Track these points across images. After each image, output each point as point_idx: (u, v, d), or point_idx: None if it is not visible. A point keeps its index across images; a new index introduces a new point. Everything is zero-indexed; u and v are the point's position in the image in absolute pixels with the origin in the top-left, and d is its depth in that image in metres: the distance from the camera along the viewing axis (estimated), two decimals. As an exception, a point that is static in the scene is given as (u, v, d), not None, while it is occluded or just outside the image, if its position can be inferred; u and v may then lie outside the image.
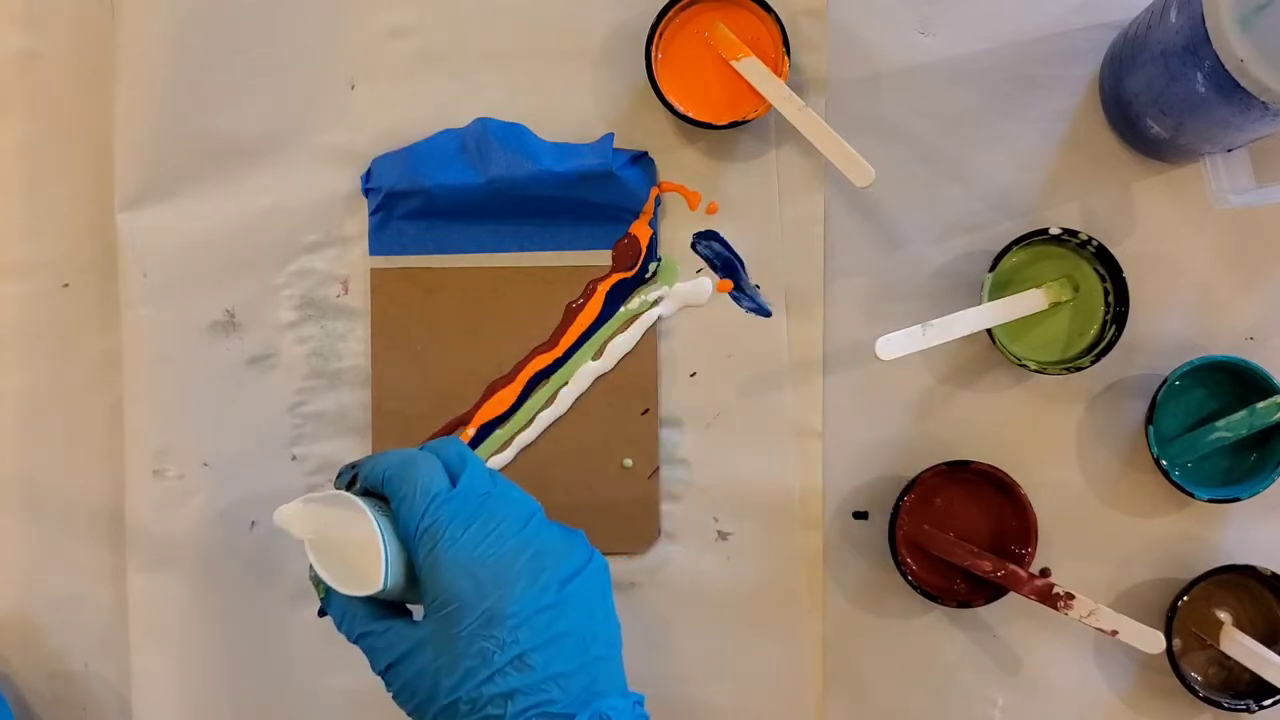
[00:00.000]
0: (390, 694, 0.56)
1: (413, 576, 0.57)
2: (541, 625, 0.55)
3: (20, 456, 0.74)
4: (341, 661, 0.73)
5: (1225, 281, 0.73)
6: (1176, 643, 0.69)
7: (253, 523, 0.73)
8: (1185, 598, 0.69)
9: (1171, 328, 0.73)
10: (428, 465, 0.57)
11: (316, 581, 0.58)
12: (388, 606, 0.58)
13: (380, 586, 0.55)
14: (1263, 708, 0.69)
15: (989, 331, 0.69)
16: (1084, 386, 0.73)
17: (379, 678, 0.57)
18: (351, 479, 0.60)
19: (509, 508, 0.58)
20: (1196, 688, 0.69)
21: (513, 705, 0.53)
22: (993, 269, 0.69)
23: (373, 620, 0.57)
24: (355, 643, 0.57)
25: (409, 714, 0.56)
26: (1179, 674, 0.69)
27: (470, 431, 0.73)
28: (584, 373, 0.73)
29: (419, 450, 0.59)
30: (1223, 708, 0.69)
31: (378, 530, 0.55)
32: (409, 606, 0.60)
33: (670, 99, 0.71)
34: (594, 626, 0.57)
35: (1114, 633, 0.67)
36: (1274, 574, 0.69)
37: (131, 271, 0.73)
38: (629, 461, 0.73)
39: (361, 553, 0.56)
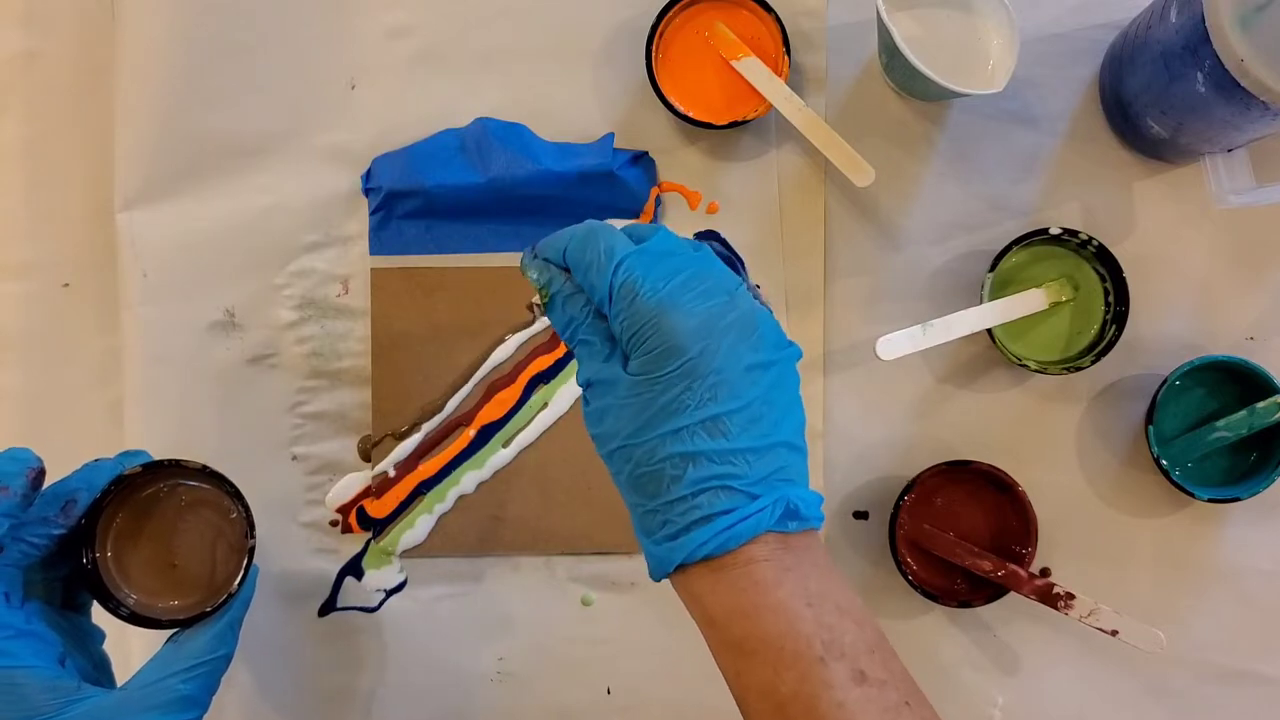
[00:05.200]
0: (584, 413, 0.53)
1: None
2: (744, 388, 0.49)
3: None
4: (341, 661, 0.73)
5: (1225, 281, 0.73)
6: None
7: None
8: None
9: (1171, 328, 0.73)
10: (608, 232, 0.52)
11: (543, 285, 0.54)
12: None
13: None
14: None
15: (989, 331, 0.69)
16: (1084, 386, 0.73)
17: None
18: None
19: (714, 270, 0.52)
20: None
21: (693, 470, 0.48)
22: (993, 269, 0.69)
23: (593, 330, 0.52)
24: (572, 344, 0.53)
25: (592, 439, 0.52)
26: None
27: (471, 433, 0.73)
28: (584, 373, 0.73)
29: (599, 223, 0.54)
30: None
31: None
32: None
33: (670, 99, 0.71)
34: (793, 411, 0.51)
35: (1114, 633, 0.67)
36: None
37: (131, 271, 0.73)
38: (629, 461, 0.73)
39: None
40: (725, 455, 0.48)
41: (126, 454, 0.62)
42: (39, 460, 0.56)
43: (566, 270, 0.53)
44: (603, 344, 0.51)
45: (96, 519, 0.59)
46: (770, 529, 0.48)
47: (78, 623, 0.60)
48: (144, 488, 0.61)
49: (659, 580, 0.50)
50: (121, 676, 0.60)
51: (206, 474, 0.61)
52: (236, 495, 0.61)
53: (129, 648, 0.63)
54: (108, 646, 0.61)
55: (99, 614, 0.61)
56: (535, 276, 0.54)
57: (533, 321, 0.73)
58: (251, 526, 0.61)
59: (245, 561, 0.60)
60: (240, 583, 0.60)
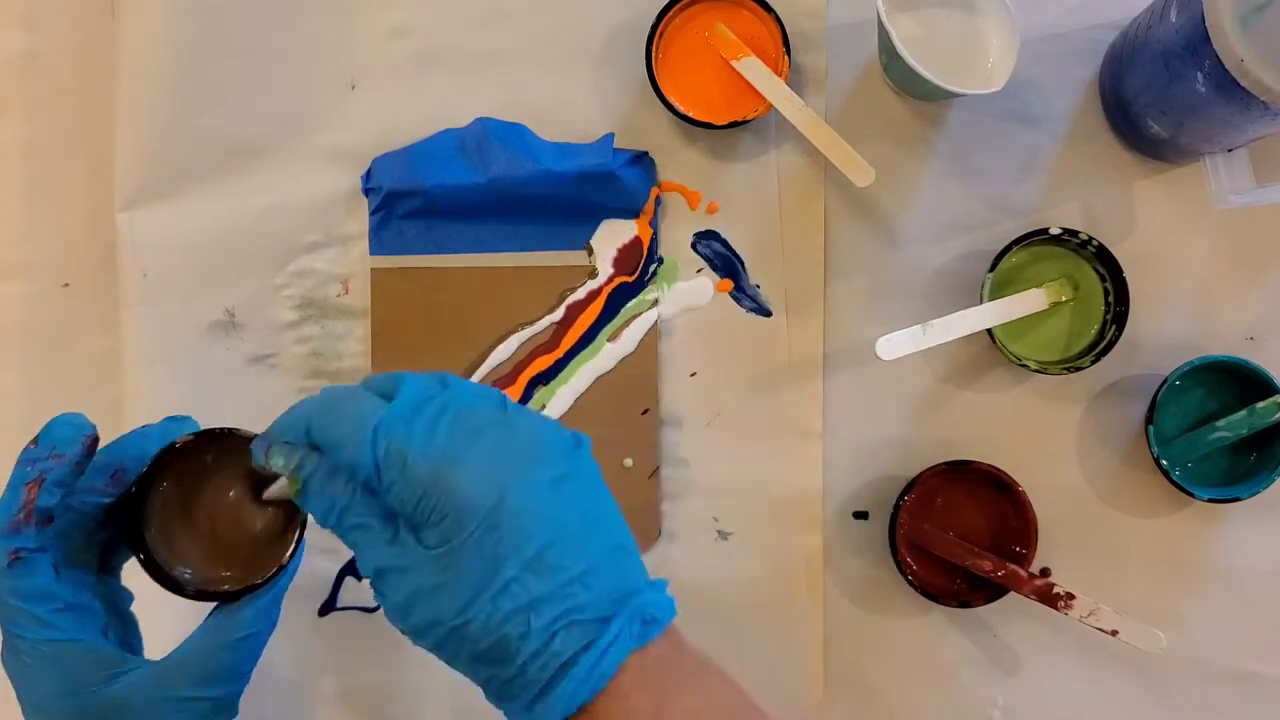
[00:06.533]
0: (377, 601, 0.49)
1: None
2: (555, 515, 0.46)
3: (20, 456, 0.74)
4: (341, 661, 0.73)
5: (1225, 281, 0.73)
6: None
7: (253, 523, 0.73)
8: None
9: (1171, 328, 0.73)
10: (352, 396, 0.49)
11: (292, 472, 0.51)
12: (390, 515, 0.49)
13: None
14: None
15: (989, 331, 0.69)
16: (1084, 386, 0.73)
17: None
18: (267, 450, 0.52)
19: (475, 397, 0.49)
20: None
21: (536, 618, 0.45)
22: (993, 269, 0.69)
23: (365, 511, 0.47)
24: (342, 532, 0.49)
25: (404, 632, 0.47)
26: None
27: (470, 431, 0.73)
28: (584, 373, 0.73)
29: (338, 387, 0.51)
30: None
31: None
32: None
33: (670, 99, 0.71)
34: (608, 512, 0.49)
35: (1114, 633, 0.67)
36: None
37: (131, 271, 0.72)
38: (629, 461, 0.73)
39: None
40: (562, 589, 0.45)
41: (172, 419, 0.59)
42: (93, 426, 0.55)
43: (313, 448, 0.49)
44: (382, 525, 0.47)
45: (147, 491, 0.56)
46: (633, 649, 0.46)
47: (111, 585, 0.58)
48: (194, 457, 0.57)
49: None
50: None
51: None
52: None
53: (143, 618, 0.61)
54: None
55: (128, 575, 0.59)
56: (282, 463, 0.49)
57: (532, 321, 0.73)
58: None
59: (297, 533, 0.57)
60: (292, 554, 0.57)
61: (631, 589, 0.47)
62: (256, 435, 0.55)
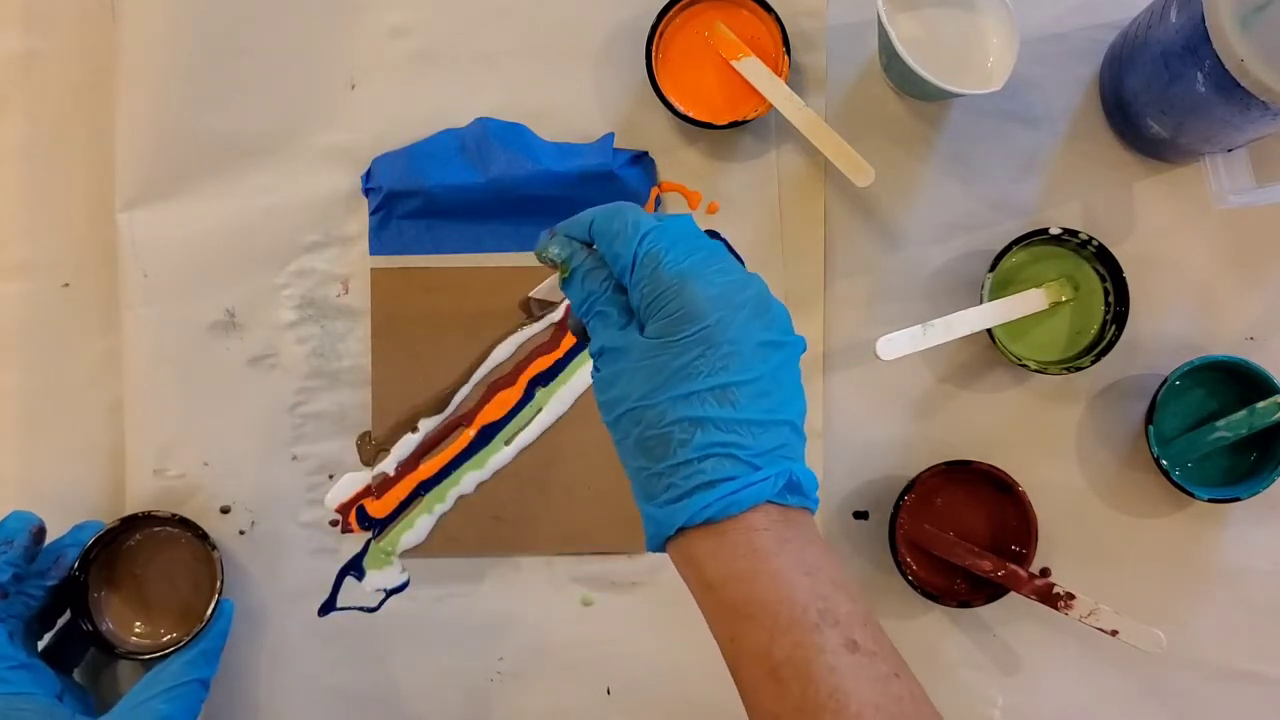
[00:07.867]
0: (591, 376, 0.55)
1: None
2: (755, 362, 0.50)
3: (20, 456, 0.74)
4: (341, 661, 0.73)
5: (1225, 281, 0.73)
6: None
7: (253, 522, 0.73)
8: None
9: (1171, 328, 0.73)
10: (634, 208, 0.54)
11: (562, 261, 0.55)
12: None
13: None
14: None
15: (989, 331, 0.69)
16: (1084, 386, 0.73)
17: None
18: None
19: (728, 255, 0.53)
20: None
21: (701, 435, 0.49)
22: (993, 269, 0.69)
23: (611, 302, 0.53)
24: (588, 317, 0.54)
25: (599, 406, 0.53)
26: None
27: (472, 433, 0.73)
28: (585, 373, 0.73)
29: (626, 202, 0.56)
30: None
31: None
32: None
33: (670, 99, 0.71)
34: (798, 394, 0.52)
35: (1114, 633, 0.67)
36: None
37: (131, 271, 0.73)
38: (629, 461, 0.73)
39: None
40: (732, 424, 0.49)
41: (100, 523, 0.70)
42: (40, 520, 0.66)
43: (587, 245, 0.55)
44: (619, 315, 0.53)
45: (86, 570, 0.68)
46: (771, 499, 0.49)
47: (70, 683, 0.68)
48: (125, 539, 0.70)
49: (656, 548, 0.51)
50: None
51: (177, 521, 0.69)
52: (205, 537, 0.69)
53: None
54: None
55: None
56: (557, 252, 0.55)
57: (529, 320, 0.73)
58: (221, 565, 0.69)
59: (217, 595, 0.68)
60: (211, 614, 0.68)
61: (790, 459, 0.50)
62: (172, 514, 0.70)
